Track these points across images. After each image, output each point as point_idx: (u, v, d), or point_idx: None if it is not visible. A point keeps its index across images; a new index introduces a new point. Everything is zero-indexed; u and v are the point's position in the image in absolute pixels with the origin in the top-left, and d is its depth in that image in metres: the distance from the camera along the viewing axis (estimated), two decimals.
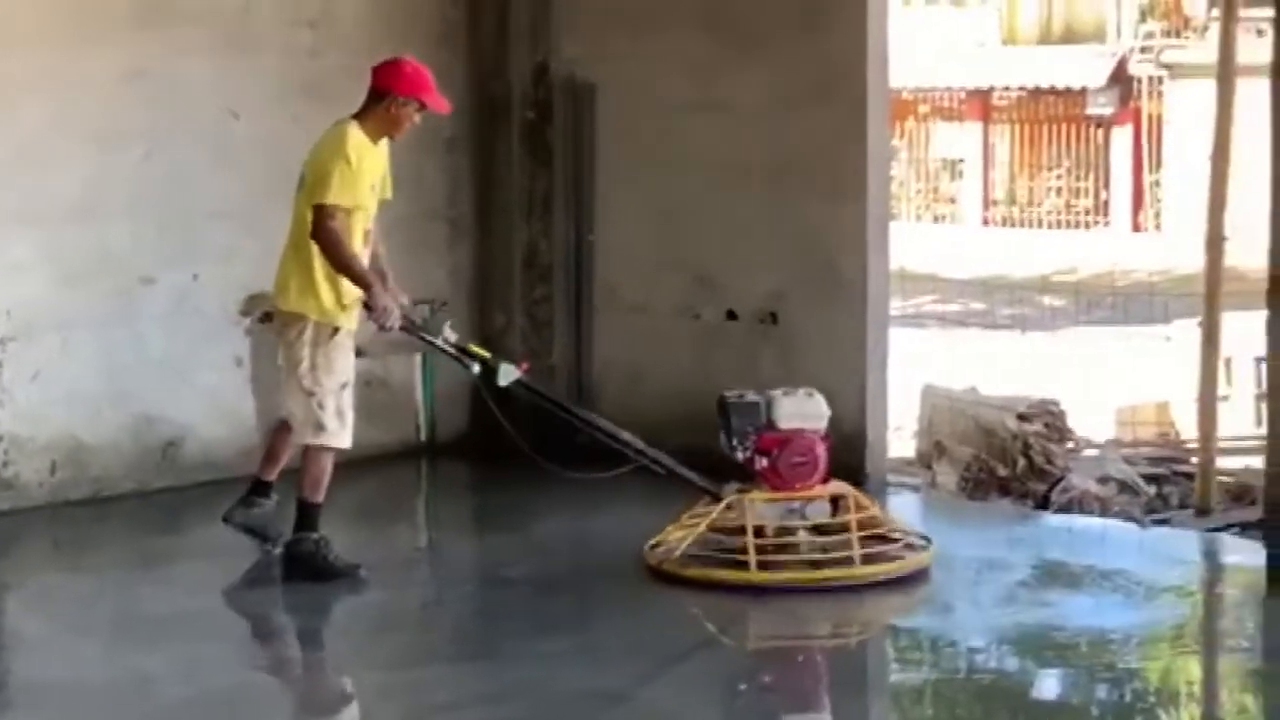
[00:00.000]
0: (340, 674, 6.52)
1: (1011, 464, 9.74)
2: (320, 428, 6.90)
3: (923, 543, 7.08)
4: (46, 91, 8.08)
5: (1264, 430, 7.38)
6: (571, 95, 9.24)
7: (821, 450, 7.00)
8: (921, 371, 11.75)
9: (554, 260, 9.36)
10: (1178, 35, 27.17)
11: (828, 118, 8.38)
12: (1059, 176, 28.26)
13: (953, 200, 29.46)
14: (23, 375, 8.12)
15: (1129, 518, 8.87)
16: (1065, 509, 9.09)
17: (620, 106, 9.09)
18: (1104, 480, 9.64)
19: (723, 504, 6.98)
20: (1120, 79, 27.15)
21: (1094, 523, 8.56)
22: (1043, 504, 9.30)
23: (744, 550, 6.79)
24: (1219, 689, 6.27)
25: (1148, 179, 26.96)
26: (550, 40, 9.30)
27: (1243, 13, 9.54)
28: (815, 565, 6.83)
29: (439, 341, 7.13)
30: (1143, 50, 26.92)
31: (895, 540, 7.01)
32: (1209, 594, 7.27)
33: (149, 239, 8.42)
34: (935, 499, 9.33)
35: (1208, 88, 10.76)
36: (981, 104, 28.94)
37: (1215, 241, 9.25)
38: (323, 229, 6.76)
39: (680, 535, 7.01)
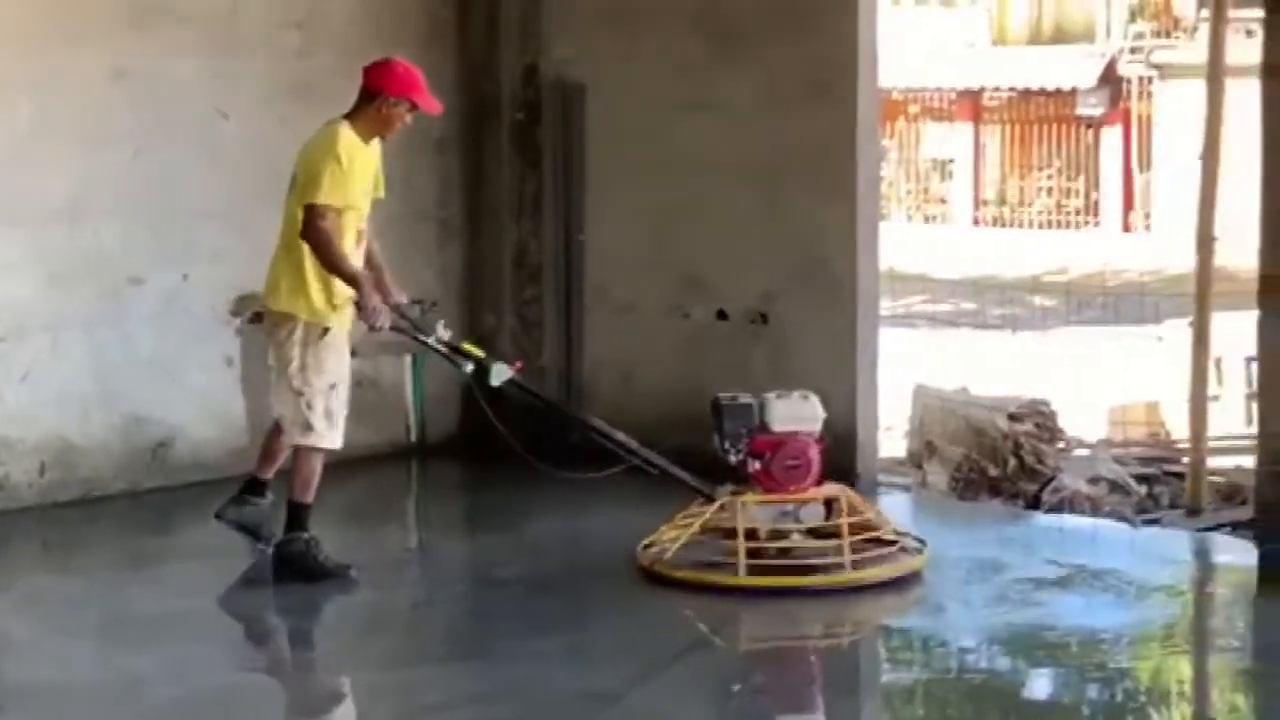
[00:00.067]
0: (331, 674, 6.52)
1: (1002, 464, 9.74)
2: (309, 428, 6.90)
3: (917, 545, 7.05)
4: (35, 92, 8.06)
5: (1254, 430, 7.39)
6: (561, 95, 9.23)
7: (815, 453, 6.96)
8: (912, 371, 11.75)
9: (544, 260, 9.36)
10: (1167, 36, 27.21)
11: (818, 118, 8.38)
12: (1049, 177, 28.29)
13: (943, 200, 29.48)
14: (12, 376, 8.10)
15: (1120, 517, 8.87)
16: (1056, 509, 9.09)
17: (610, 107, 9.09)
18: (1095, 480, 9.64)
19: (715, 505, 6.96)
20: (1110, 79, 27.19)
21: (1085, 522, 8.57)
22: (1034, 504, 9.30)
23: (735, 553, 6.77)
24: (1210, 688, 6.27)
25: (1138, 179, 27.00)
26: (540, 40, 9.29)
27: (1232, 13, 9.54)
28: (806, 569, 6.80)
29: (432, 341, 7.12)
30: (1132, 51, 26.96)
31: (890, 543, 6.99)
32: (1200, 593, 7.27)
33: (138, 239, 8.41)
34: (926, 499, 9.32)
35: (1198, 88, 10.76)
36: (972, 104, 28.97)
37: (1205, 241, 9.25)
38: (313, 229, 6.75)
39: (673, 536, 6.99)
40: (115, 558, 7.67)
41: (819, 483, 7.00)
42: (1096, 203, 27.64)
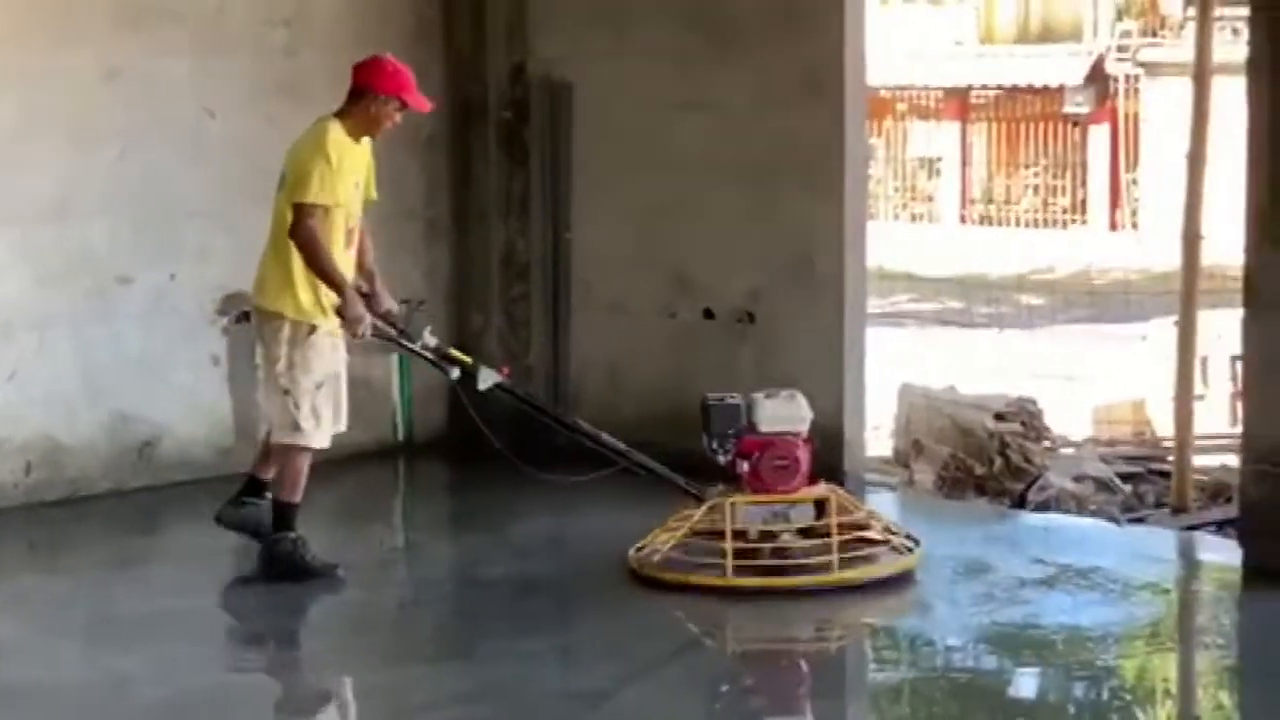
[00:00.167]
0: (318, 674, 6.51)
1: (989, 463, 9.76)
2: (295, 427, 6.89)
3: (909, 545, 7.02)
4: (21, 91, 8.05)
5: (1239, 429, 7.41)
6: (548, 94, 9.23)
7: (803, 453, 6.93)
8: (899, 370, 11.78)
9: (531, 260, 9.35)
10: (1154, 34, 27.26)
11: (805, 116, 8.38)
12: (1036, 175, 28.33)
13: (930, 199, 29.51)
14: None
15: (1106, 516, 8.89)
16: (1042, 507, 9.11)
17: (597, 105, 9.09)
18: (1081, 479, 9.66)
19: (704, 507, 6.96)
20: (1097, 78, 27.23)
21: (1071, 521, 8.58)
22: (1020, 503, 9.32)
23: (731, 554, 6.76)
24: (1195, 686, 6.29)
25: (1125, 178, 27.04)
26: (527, 39, 9.29)
27: (1218, 11, 9.57)
28: (795, 569, 6.80)
29: (417, 347, 7.11)
30: (1119, 49, 27.01)
31: (881, 543, 6.98)
32: (1185, 592, 7.29)
33: (125, 238, 8.40)
34: (912, 498, 9.34)
35: (1184, 86, 10.80)
36: (959, 103, 29.00)
37: (1192, 240, 9.28)
38: (301, 228, 6.74)
39: (665, 538, 6.99)
40: (102, 557, 7.66)
41: (811, 482, 6.98)
42: (1083, 201, 27.68)
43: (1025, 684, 6.12)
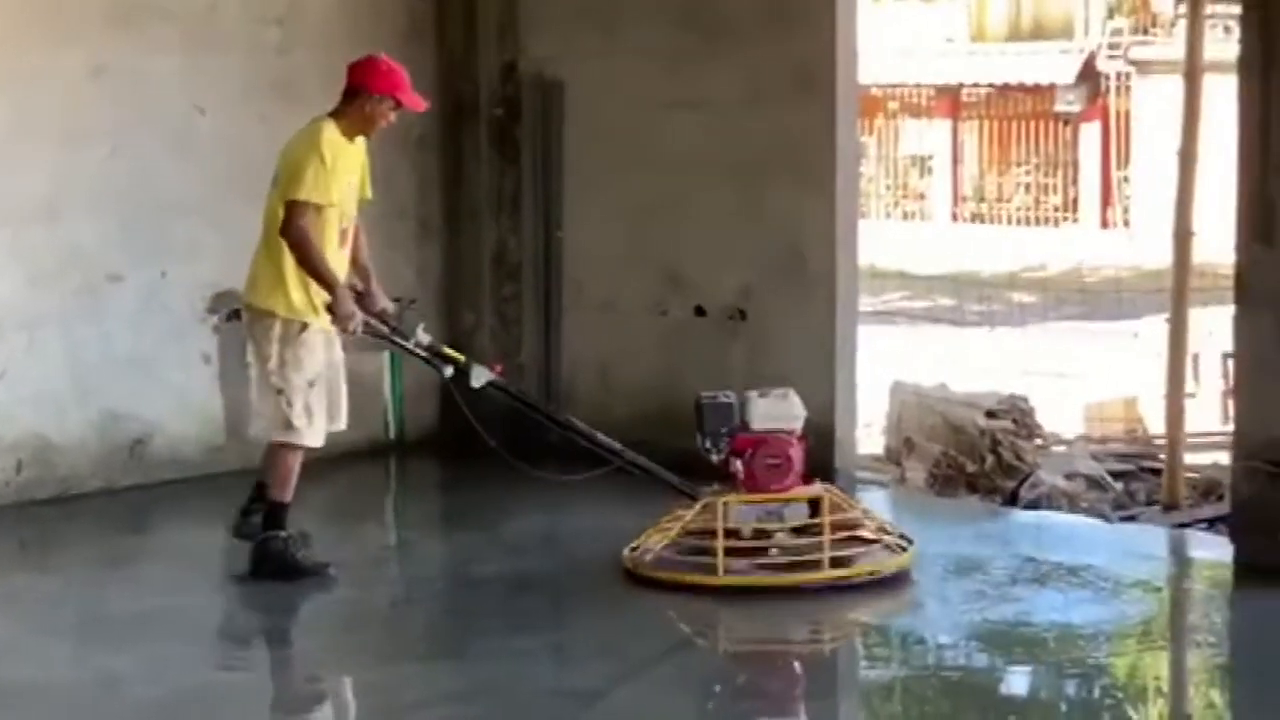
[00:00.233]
0: (310, 673, 6.50)
1: (980, 460, 9.77)
2: (288, 425, 6.89)
3: (903, 544, 7.00)
4: (11, 89, 8.03)
5: (1231, 426, 7.41)
6: (540, 92, 9.23)
7: (796, 452, 6.92)
8: (891, 368, 11.78)
9: (523, 258, 9.35)
10: (1145, 32, 27.28)
11: (797, 114, 8.38)
12: (1028, 173, 28.34)
13: (922, 197, 29.52)
14: None
15: (1097, 514, 8.90)
16: (1033, 505, 9.12)
17: (588, 104, 9.09)
18: (1072, 476, 9.67)
19: (698, 506, 6.95)
20: (1088, 76, 27.25)
21: (1062, 519, 8.58)
22: (1011, 500, 9.33)
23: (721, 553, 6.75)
24: (1186, 684, 6.29)
25: (1116, 175, 27.06)
26: (518, 37, 9.29)
27: (1210, 9, 9.58)
28: (786, 568, 6.79)
29: (410, 345, 7.11)
30: (1111, 47, 27.03)
31: (874, 542, 6.96)
32: (1176, 589, 7.29)
33: (115, 237, 8.39)
34: (904, 495, 9.34)
35: (1175, 84, 10.81)
36: (950, 101, 29.00)
37: (1183, 238, 9.29)
38: (292, 226, 6.73)
39: (658, 538, 6.97)
40: (93, 556, 7.65)
41: (805, 481, 6.97)
42: (1075, 199, 27.70)
43: (1016, 682, 6.12)
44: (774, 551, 6.82)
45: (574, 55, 9.09)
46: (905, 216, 29.04)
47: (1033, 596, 6.78)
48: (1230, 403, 8.87)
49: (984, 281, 21.11)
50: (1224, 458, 8.57)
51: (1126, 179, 26.70)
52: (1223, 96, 7.91)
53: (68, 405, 8.28)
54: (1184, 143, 9.24)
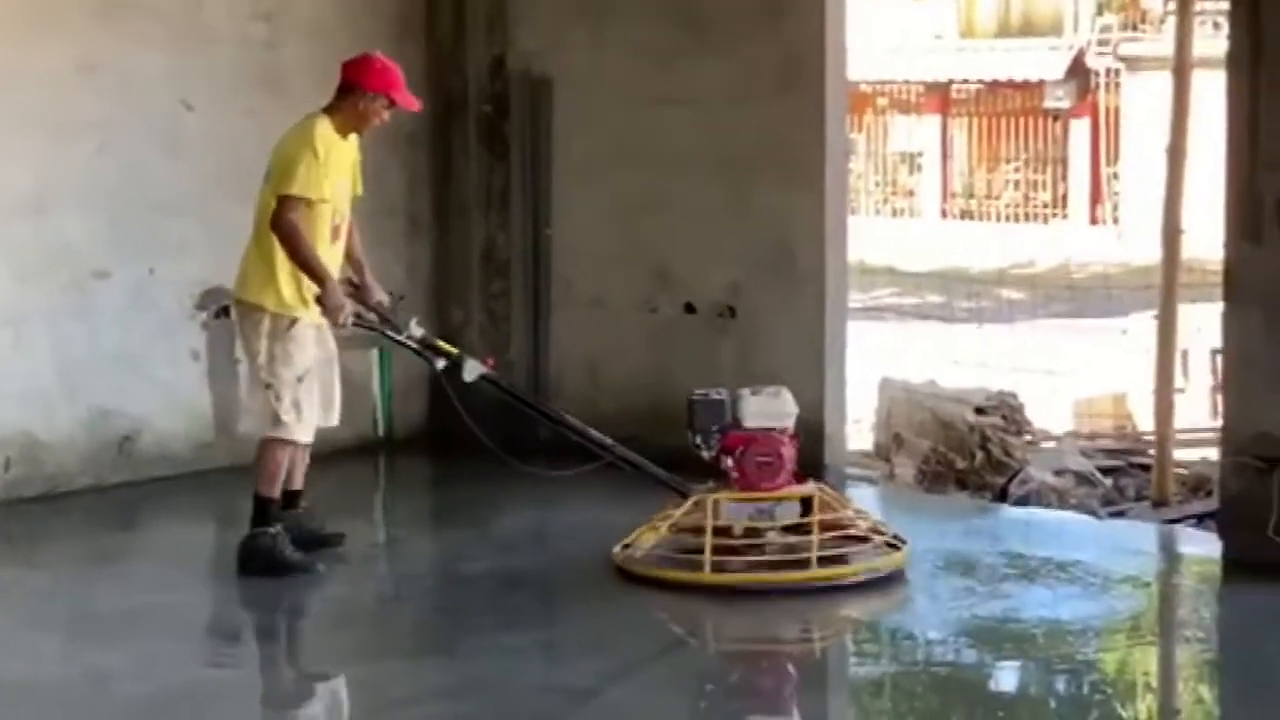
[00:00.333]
0: (298, 669, 6.50)
1: (969, 456, 9.78)
2: (276, 420, 6.88)
3: (896, 543, 6.97)
4: None
5: (1219, 422, 7.42)
6: (529, 88, 9.22)
7: (788, 450, 6.89)
8: (880, 364, 11.78)
9: (512, 255, 9.34)
10: (1135, 28, 27.31)
11: (785, 110, 8.38)
12: (1017, 169, 28.38)
13: (911, 193, 29.54)
14: None
15: (1086, 510, 8.91)
16: (1023, 501, 9.13)
17: (577, 100, 9.08)
18: (1061, 472, 9.69)
19: (688, 503, 6.93)
20: (1078, 72, 27.28)
21: (1051, 515, 8.59)
22: (1000, 496, 9.35)
23: (710, 551, 6.74)
24: (1175, 679, 6.30)
25: (1105, 172, 27.09)
26: (507, 33, 9.28)
27: (1199, 5, 9.59)
28: (774, 566, 6.78)
29: (402, 338, 7.10)
30: (1100, 43, 27.06)
31: (866, 541, 6.94)
32: (1165, 585, 7.30)
33: (103, 233, 8.37)
34: (893, 492, 9.35)
35: (1165, 80, 10.81)
36: (940, 97, 29.03)
37: (1172, 234, 9.29)
38: (282, 220, 6.73)
39: (650, 535, 6.96)
40: (82, 553, 7.63)
41: (799, 479, 6.94)
42: (1064, 196, 27.73)
43: (1006, 678, 6.13)
44: (768, 549, 6.81)
45: (563, 51, 9.08)
46: (894, 213, 29.07)
47: (1022, 592, 6.79)
48: (1219, 398, 8.89)
49: (973, 278, 21.12)
50: (1213, 453, 8.59)
51: (1116, 175, 26.73)
52: (1212, 93, 7.92)
53: (56, 402, 8.26)
54: (1173, 139, 9.25)
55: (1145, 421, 10.98)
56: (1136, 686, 6.13)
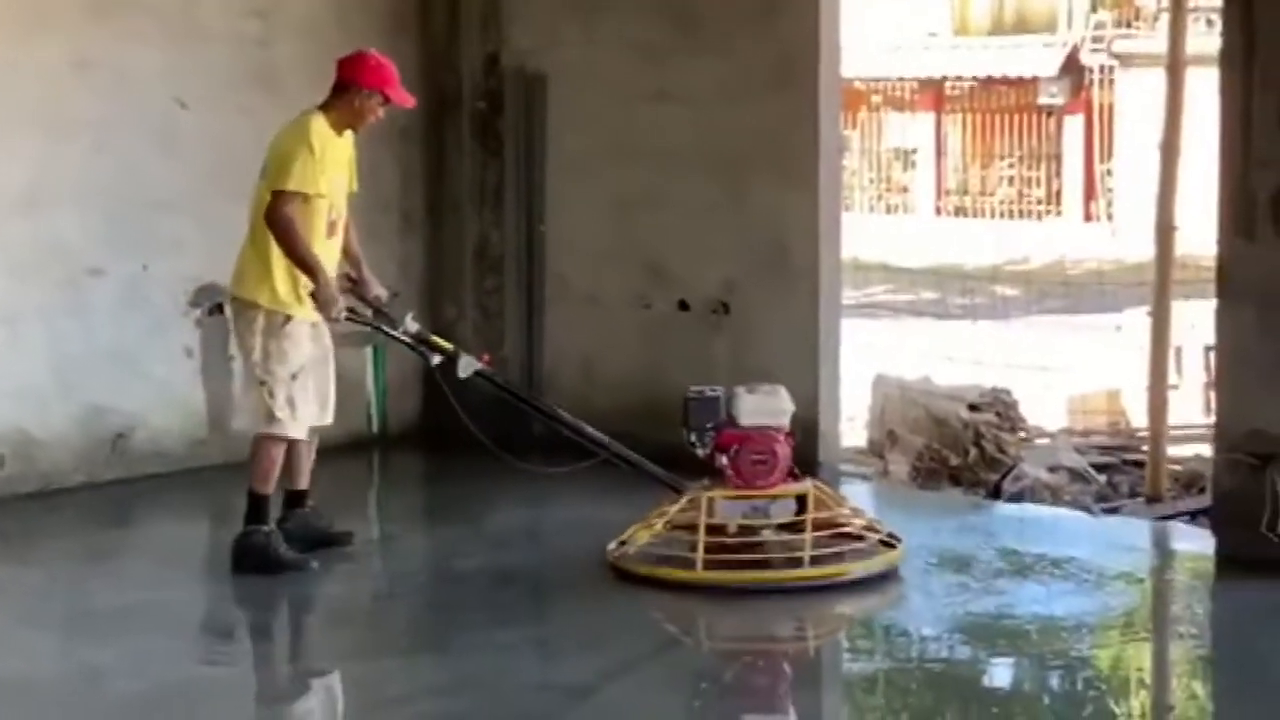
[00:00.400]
0: (292, 667, 6.50)
1: (963, 453, 9.78)
2: (271, 417, 6.88)
3: (890, 542, 6.96)
4: None
5: (1213, 418, 7.43)
6: (522, 85, 9.22)
7: (782, 448, 6.88)
8: (874, 361, 11.79)
9: (505, 251, 9.34)
10: (1128, 25, 27.32)
11: (780, 107, 8.38)
12: (1011, 166, 28.38)
13: (905, 190, 29.54)
14: None
15: (1080, 506, 8.91)
16: (1017, 498, 9.13)
17: (571, 96, 9.08)
18: (1055, 469, 9.69)
19: (682, 500, 6.92)
20: (1072, 69, 27.28)
21: (1045, 511, 8.60)
22: (994, 493, 9.34)
23: (705, 549, 6.73)
24: (1169, 675, 6.30)
25: (1099, 169, 27.10)
26: (501, 29, 9.28)
27: (1192, 3, 9.59)
28: (767, 565, 6.77)
29: (398, 333, 7.10)
30: (1094, 40, 27.07)
31: (861, 539, 6.94)
32: (1159, 581, 7.31)
33: (97, 230, 8.36)
34: (887, 488, 9.35)
35: (1158, 77, 10.81)
36: (934, 94, 29.02)
37: (1165, 231, 9.30)
38: (277, 215, 6.73)
39: (645, 533, 6.95)
40: (75, 550, 7.62)
41: (795, 477, 6.93)
42: (1058, 192, 27.74)
43: (999, 674, 6.13)
44: (764, 547, 6.81)
45: (557, 47, 9.08)
46: (888, 210, 29.06)
47: (1016, 589, 6.79)
48: (1212, 395, 8.88)
49: (967, 274, 21.13)
50: (1206, 450, 8.59)
51: (1109, 172, 26.74)
52: (1205, 90, 7.92)
53: (49, 399, 8.25)
54: (1166, 136, 9.25)
55: (1139, 418, 10.97)
56: (1130, 682, 6.13)
